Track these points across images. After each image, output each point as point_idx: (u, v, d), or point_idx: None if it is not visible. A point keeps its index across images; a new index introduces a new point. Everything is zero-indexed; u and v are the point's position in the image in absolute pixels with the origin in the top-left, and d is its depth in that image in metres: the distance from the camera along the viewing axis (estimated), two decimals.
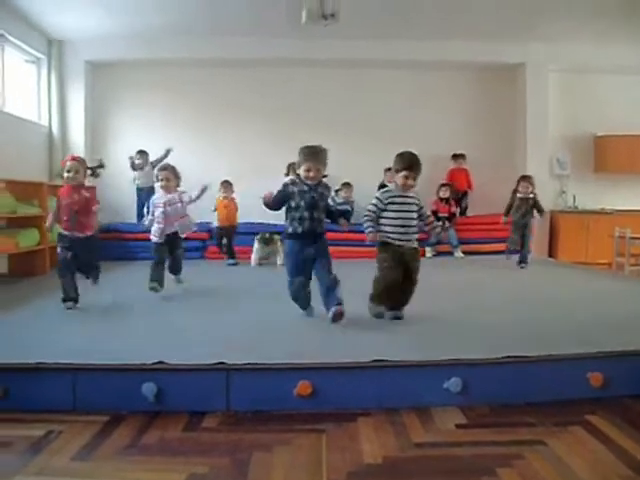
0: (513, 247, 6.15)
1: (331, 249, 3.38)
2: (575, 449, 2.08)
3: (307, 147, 3.32)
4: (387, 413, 2.41)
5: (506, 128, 8.08)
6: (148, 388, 2.39)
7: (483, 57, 7.70)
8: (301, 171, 3.29)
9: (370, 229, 3.30)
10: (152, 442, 2.15)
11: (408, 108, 7.87)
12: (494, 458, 2.01)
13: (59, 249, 3.74)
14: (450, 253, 7.14)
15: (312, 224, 3.27)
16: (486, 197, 7.65)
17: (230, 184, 6.45)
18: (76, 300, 3.70)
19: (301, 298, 3.40)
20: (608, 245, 6.93)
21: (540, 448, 2.08)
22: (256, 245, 6.27)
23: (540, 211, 6.01)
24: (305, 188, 3.27)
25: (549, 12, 6.47)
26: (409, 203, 3.37)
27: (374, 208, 3.34)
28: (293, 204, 3.27)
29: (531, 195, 5.95)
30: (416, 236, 3.41)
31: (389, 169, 7.26)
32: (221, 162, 7.53)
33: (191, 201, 4.39)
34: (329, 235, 3.44)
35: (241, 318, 3.43)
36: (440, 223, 6.97)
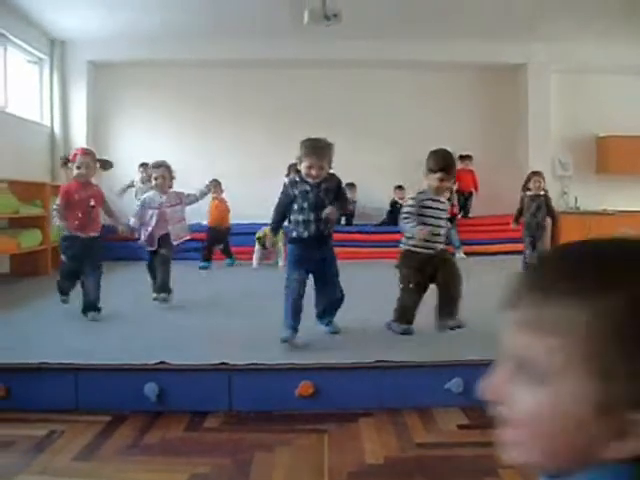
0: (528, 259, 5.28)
1: (336, 249, 3.16)
2: None
3: (309, 140, 2.92)
4: (389, 413, 2.41)
5: (508, 129, 8.07)
6: (150, 388, 2.40)
7: (485, 57, 7.69)
8: (302, 168, 2.90)
9: (418, 227, 2.93)
10: (154, 442, 2.16)
11: (410, 108, 7.85)
12: (496, 459, 2.00)
13: (64, 257, 3.51)
14: (452, 254, 7.13)
15: (318, 227, 2.91)
16: (488, 198, 7.65)
17: (219, 183, 6.03)
18: (67, 292, 3.59)
19: (299, 307, 2.89)
20: None
21: None
22: (257, 246, 6.25)
23: (553, 216, 5.49)
24: (307, 188, 2.89)
25: (551, 12, 6.47)
26: (440, 209, 3.08)
27: (412, 209, 3.00)
28: (296, 206, 2.91)
29: (542, 192, 5.35)
30: (443, 242, 3.13)
31: (400, 187, 7.34)
32: (223, 162, 7.53)
33: (194, 201, 4.11)
34: (335, 236, 3.22)
35: (243, 319, 3.43)
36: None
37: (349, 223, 7.33)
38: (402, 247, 3.07)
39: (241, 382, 2.44)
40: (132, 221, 3.86)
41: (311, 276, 3.01)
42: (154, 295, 3.80)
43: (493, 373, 0.51)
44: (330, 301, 3.03)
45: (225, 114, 7.80)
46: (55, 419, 2.33)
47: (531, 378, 0.48)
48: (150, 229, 3.78)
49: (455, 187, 7.36)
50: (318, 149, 2.88)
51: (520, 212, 5.38)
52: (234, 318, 3.46)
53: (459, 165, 7.72)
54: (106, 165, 3.68)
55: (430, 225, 2.97)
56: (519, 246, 5.75)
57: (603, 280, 0.45)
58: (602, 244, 0.49)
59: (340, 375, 2.46)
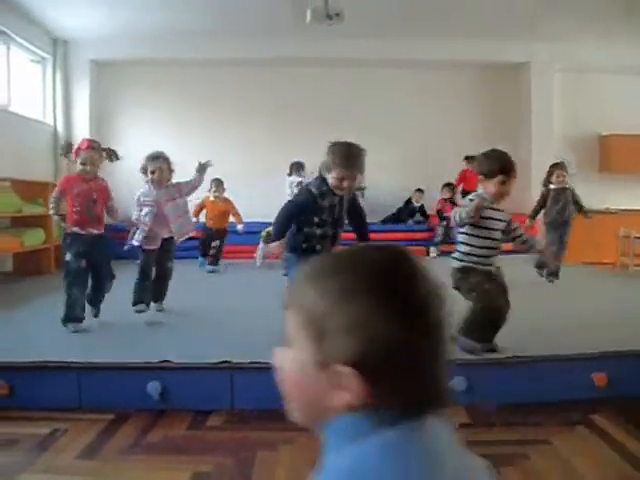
0: (554, 264, 4.70)
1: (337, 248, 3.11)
2: (580, 449, 2.08)
3: (342, 145, 2.46)
4: None
5: (510, 128, 8.04)
6: (153, 387, 2.40)
7: (486, 56, 7.68)
8: (331, 178, 2.47)
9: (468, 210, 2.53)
10: (157, 440, 2.16)
11: (411, 107, 7.83)
12: (498, 458, 2.00)
13: (69, 256, 3.08)
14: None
15: (333, 243, 2.63)
16: None
17: (221, 182, 5.79)
18: (82, 319, 3.13)
19: None
20: (613, 245, 6.91)
21: (545, 448, 2.08)
22: (261, 244, 6.22)
23: (584, 211, 5.02)
24: (335, 201, 2.53)
25: (552, 11, 6.45)
26: (501, 220, 2.67)
27: (467, 215, 2.57)
28: (316, 219, 2.51)
29: (567, 185, 4.90)
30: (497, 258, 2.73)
31: (419, 190, 7.35)
32: (225, 161, 7.51)
33: (194, 187, 3.60)
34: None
35: (245, 317, 3.43)
36: (445, 223, 7.02)
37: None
38: (457, 265, 2.66)
39: (243, 380, 2.44)
40: (134, 216, 3.41)
41: None
42: (137, 307, 3.35)
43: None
44: None
45: (228, 113, 7.80)
46: (58, 417, 2.34)
47: (286, 345, 0.63)
48: (147, 228, 3.32)
49: (461, 187, 7.41)
50: (353, 158, 2.46)
51: (540, 208, 4.95)
52: (236, 316, 3.46)
53: (465, 165, 7.74)
54: (112, 156, 3.27)
55: (488, 238, 2.61)
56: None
57: (318, 274, 0.62)
58: (338, 253, 0.68)
59: None
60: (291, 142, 7.41)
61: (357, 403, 0.58)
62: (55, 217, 3.23)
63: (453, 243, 7.22)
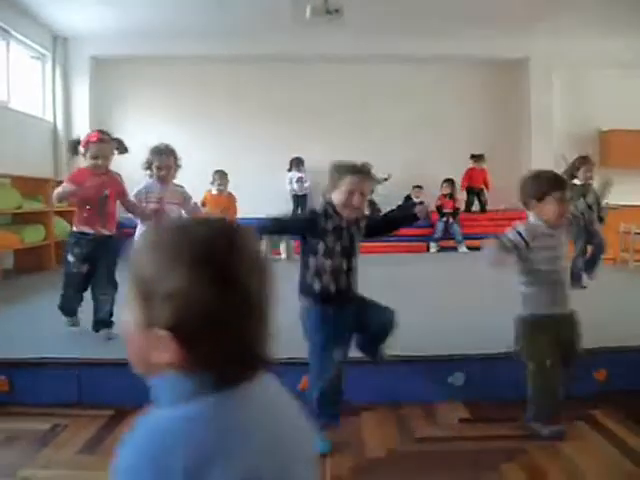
0: (582, 265, 4.38)
1: None
2: (579, 444, 2.08)
3: (348, 162, 2.16)
4: (391, 407, 2.42)
5: (510, 123, 8.04)
6: None
7: (487, 52, 7.65)
8: (337, 197, 2.11)
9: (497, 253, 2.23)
10: None
11: (411, 103, 7.81)
12: (497, 453, 2.01)
13: (70, 257, 2.86)
14: (454, 248, 7.14)
15: (349, 278, 2.16)
16: (490, 194, 7.66)
17: (226, 174, 5.46)
18: (75, 313, 2.97)
19: (337, 390, 2.11)
20: (613, 240, 6.90)
21: (543, 443, 2.08)
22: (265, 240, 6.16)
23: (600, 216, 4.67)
24: (343, 223, 2.13)
25: (553, 6, 6.43)
26: (558, 246, 2.23)
27: (518, 239, 2.19)
28: (322, 247, 2.10)
29: (591, 182, 4.64)
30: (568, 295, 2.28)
31: (418, 186, 7.33)
32: (226, 158, 7.51)
33: (189, 213, 3.31)
34: None
35: None
36: (445, 219, 7.04)
37: None
38: (524, 310, 2.27)
39: None
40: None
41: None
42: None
43: None
44: (384, 327, 2.24)
45: (228, 109, 7.79)
46: (58, 413, 2.35)
47: (125, 306, 0.68)
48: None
49: (466, 184, 7.44)
50: (361, 166, 2.14)
51: None
52: None
53: (471, 164, 7.72)
54: (121, 147, 3.05)
55: (554, 272, 2.21)
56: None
57: (150, 244, 0.67)
58: (168, 225, 0.73)
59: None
60: (291, 138, 7.40)
61: (176, 365, 0.63)
62: (57, 199, 2.95)
63: (452, 239, 7.28)
